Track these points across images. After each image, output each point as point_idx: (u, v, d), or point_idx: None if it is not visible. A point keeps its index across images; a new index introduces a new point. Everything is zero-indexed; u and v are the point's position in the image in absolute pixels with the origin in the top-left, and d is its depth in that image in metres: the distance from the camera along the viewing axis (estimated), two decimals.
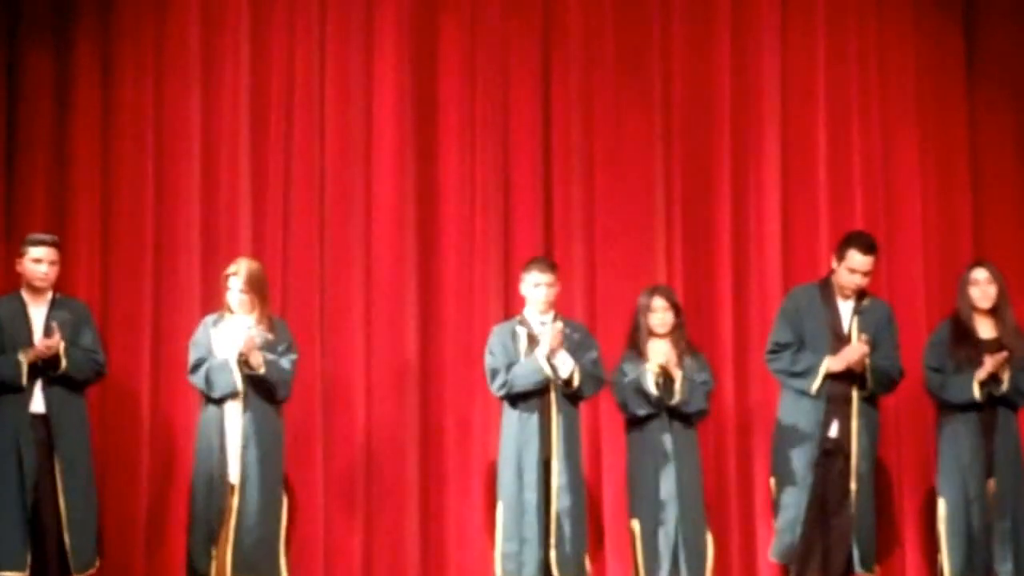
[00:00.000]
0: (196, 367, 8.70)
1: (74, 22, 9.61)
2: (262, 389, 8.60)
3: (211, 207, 9.52)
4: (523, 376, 8.69)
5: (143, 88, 9.58)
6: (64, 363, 8.41)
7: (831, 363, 8.67)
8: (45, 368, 8.41)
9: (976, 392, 8.60)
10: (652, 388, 8.68)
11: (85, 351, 8.56)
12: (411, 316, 9.52)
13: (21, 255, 8.59)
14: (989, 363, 8.57)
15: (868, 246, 8.77)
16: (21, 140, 9.53)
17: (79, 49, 9.59)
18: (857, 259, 8.74)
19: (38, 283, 8.57)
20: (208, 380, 8.61)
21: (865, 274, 8.75)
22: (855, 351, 8.66)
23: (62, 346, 8.41)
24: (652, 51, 9.72)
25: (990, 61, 9.83)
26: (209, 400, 8.63)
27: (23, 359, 8.37)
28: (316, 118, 9.61)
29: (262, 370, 8.52)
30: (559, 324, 8.72)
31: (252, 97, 9.58)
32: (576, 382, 8.71)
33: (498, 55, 9.69)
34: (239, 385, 8.54)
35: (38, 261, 8.55)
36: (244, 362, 8.55)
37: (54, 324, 8.43)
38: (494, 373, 8.78)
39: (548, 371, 8.63)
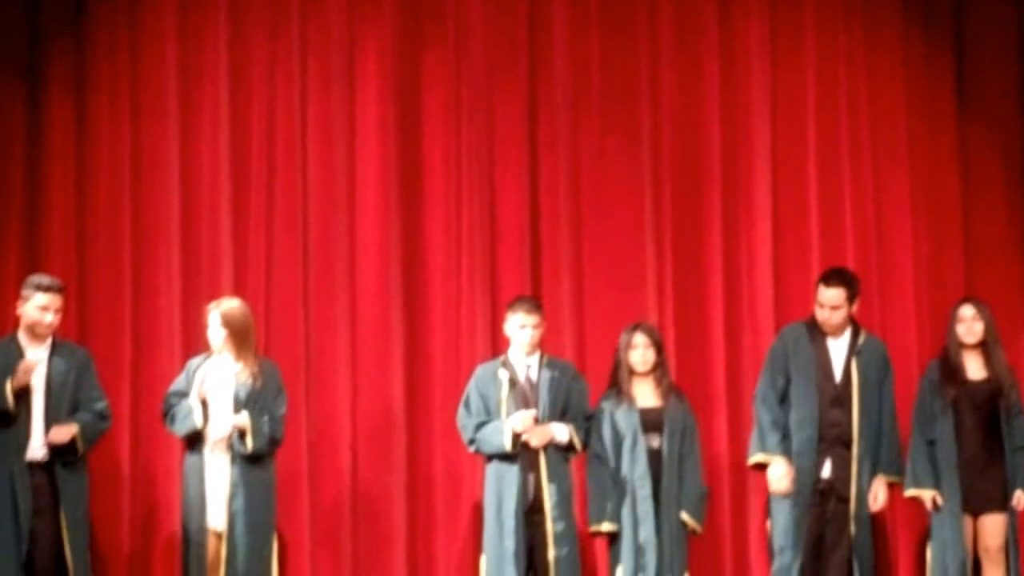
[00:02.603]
0: (166, 413, 8.62)
1: (46, 71, 9.49)
2: (253, 456, 8.50)
3: (191, 251, 9.43)
4: (488, 443, 8.64)
5: (119, 134, 9.49)
6: (81, 447, 8.31)
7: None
8: (62, 454, 8.26)
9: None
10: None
11: (88, 404, 8.41)
12: (397, 358, 9.45)
13: (22, 298, 8.39)
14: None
15: (828, 279, 8.74)
16: None
17: (52, 98, 9.48)
18: (821, 292, 8.73)
19: (42, 331, 8.38)
20: (171, 420, 8.54)
21: (833, 308, 8.70)
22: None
23: (77, 430, 8.28)
24: (640, 91, 9.69)
25: (981, 98, 9.85)
26: (192, 447, 8.54)
27: (8, 388, 8.18)
28: (298, 159, 9.53)
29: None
30: (531, 422, 8.59)
31: (232, 140, 9.49)
32: (578, 446, 8.68)
33: (483, 96, 9.64)
34: (198, 422, 8.41)
35: (45, 309, 8.36)
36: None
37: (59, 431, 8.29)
38: (464, 429, 8.73)
39: (509, 448, 8.55)
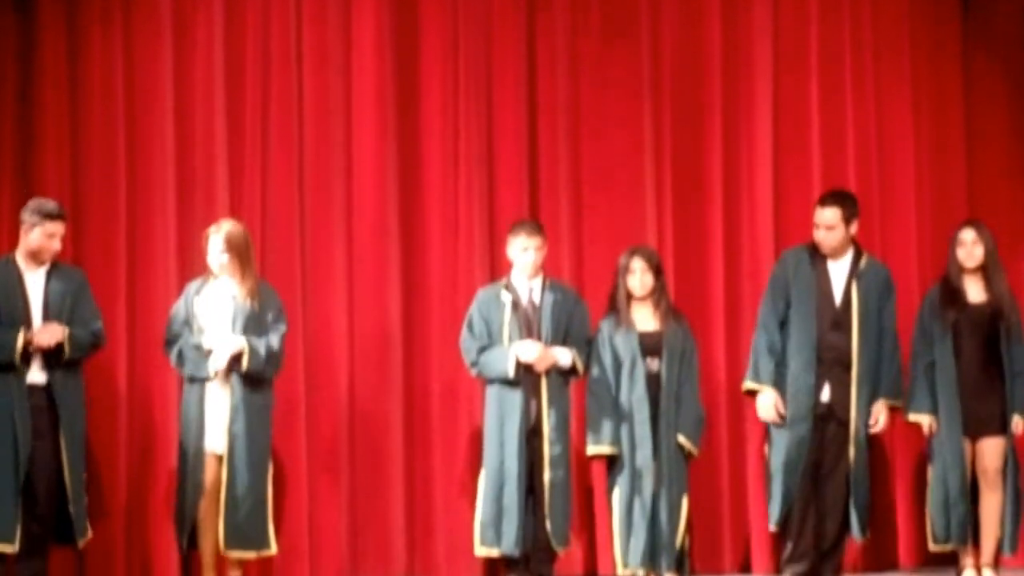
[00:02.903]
0: (170, 343, 8.62)
1: None
2: (248, 377, 8.49)
3: (186, 173, 9.32)
4: (492, 368, 8.64)
5: (112, 56, 9.35)
6: (68, 351, 8.26)
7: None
8: (48, 355, 8.24)
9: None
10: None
11: (83, 324, 8.38)
12: (394, 280, 9.40)
13: (27, 224, 8.35)
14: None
15: (824, 199, 8.75)
16: None
17: (44, 22, 9.34)
18: (817, 213, 8.73)
19: (47, 257, 8.38)
20: (180, 360, 8.55)
21: (828, 228, 8.69)
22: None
23: (65, 333, 8.25)
24: (640, 9, 9.60)
25: (985, 19, 9.79)
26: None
27: (20, 340, 8.19)
28: (294, 80, 9.42)
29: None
30: (537, 352, 8.59)
31: (227, 61, 9.37)
32: (580, 370, 8.69)
33: (481, 16, 9.53)
34: (210, 372, 8.46)
35: (52, 236, 8.36)
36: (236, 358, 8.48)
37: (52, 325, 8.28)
38: (467, 352, 8.72)
39: (512, 375, 8.55)
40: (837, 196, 8.80)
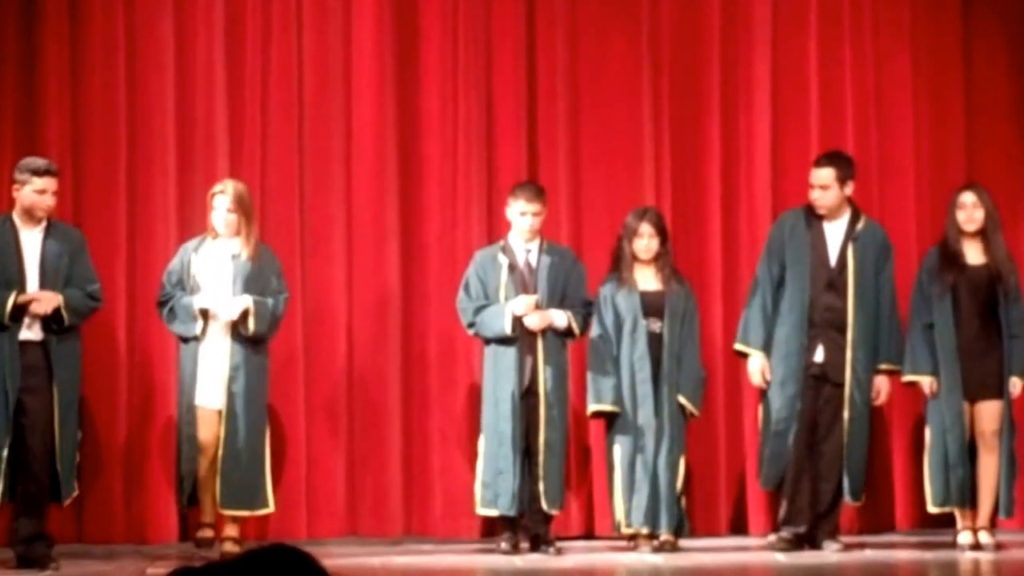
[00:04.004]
0: (163, 303, 8.64)
1: None
2: (249, 337, 8.53)
3: (187, 132, 9.31)
4: (489, 327, 8.67)
5: (113, 15, 9.32)
6: (67, 318, 8.27)
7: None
8: (47, 320, 8.24)
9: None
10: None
11: (80, 284, 8.38)
12: (393, 240, 9.41)
13: (18, 182, 8.34)
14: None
15: (819, 160, 8.77)
16: None
17: None
18: (812, 173, 8.74)
19: (40, 214, 8.36)
20: (172, 317, 8.57)
21: (822, 188, 8.68)
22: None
23: (61, 300, 8.25)
24: None
25: None
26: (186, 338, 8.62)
27: (10, 301, 8.18)
28: (293, 42, 9.40)
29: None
30: (532, 307, 8.60)
31: (227, 21, 9.34)
32: (576, 331, 8.70)
33: None
34: (197, 331, 8.48)
35: (42, 192, 8.32)
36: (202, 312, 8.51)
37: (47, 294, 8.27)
38: (463, 312, 8.75)
39: (509, 331, 8.58)
40: (832, 156, 8.80)
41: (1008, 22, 9.75)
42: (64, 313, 8.25)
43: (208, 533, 8.58)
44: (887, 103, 9.63)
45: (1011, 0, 9.75)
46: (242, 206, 8.56)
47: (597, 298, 8.77)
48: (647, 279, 8.78)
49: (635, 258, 8.76)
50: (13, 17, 9.32)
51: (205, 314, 8.51)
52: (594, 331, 8.74)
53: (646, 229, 8.73)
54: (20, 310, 8.22)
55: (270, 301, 8.56)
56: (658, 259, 8.77)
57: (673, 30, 9.60)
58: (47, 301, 8.22)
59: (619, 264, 8.78)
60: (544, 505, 8.64)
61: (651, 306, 8.72)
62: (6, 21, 9.32)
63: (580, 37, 9.57)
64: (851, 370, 8.64)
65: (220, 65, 9.35)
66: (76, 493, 8.47)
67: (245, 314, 8.50)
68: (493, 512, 8.71)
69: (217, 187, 8.65)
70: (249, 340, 8.53)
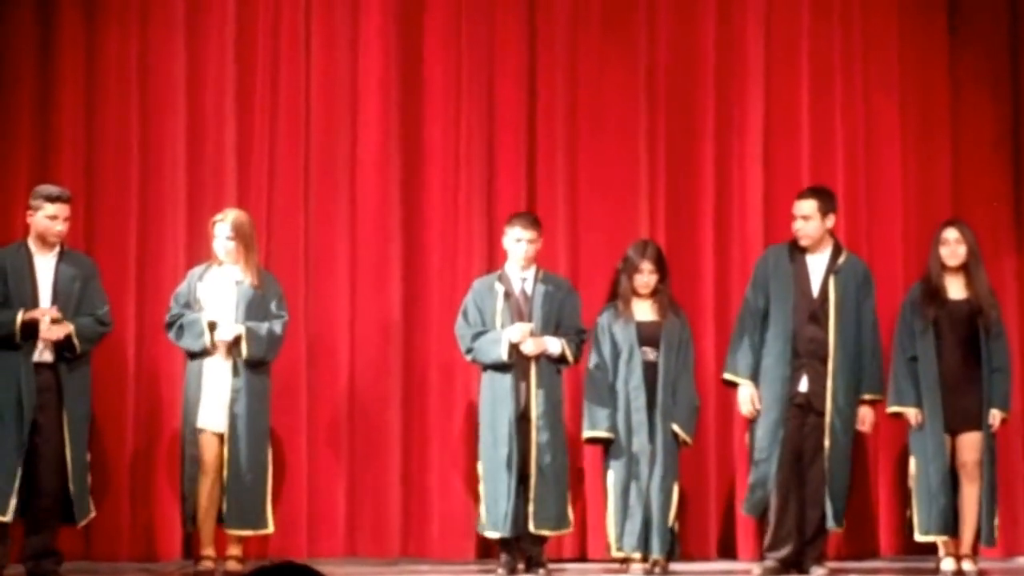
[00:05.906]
0: (171, 323, 8.79)
1: None
2: (249, 360, 8.68)
3: (196, 160, 9.49)
4: (486, 353, 8.79)
5: (127, 46, 9.53)
6: (78, 345, 8.44)
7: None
8: (60, 347, 8.40)
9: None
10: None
11: (90, 310, 8.55)
12: (395, 268, 9.55)
13: (32, 208, 8.53)
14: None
15: (802, 193, 8.89)
16: (4, 94, 9.47)
17: (63, 12, 9.53)
18: (795, 205, 8.86)
19: (52, 239, 8.54)
20: (180, 334, 8.72)
21: (804, 218, 8.79)
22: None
23: (72, 329, 8.43)
24: (637, 8, 9.76)
25: (971, 22, 9.89)
26: (195, 355, 8.74)
27: (19, 318, 8.37)
28: (302, 73, 9.60)
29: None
30: (528, 335, 8.76)
31: (237, 53, 9.55)
32: (570, 358, 8.85)
33: (484, 13, 9.70)
34: (206, 342, 8.64)
35: (54, 218, 8.50)
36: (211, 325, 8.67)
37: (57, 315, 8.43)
38: (461, 339, 8.88)
39: (506, 357, 8.71)
40: (815, 190, 8.95)
41: (994, 63, 9.88)
42: (75, 341, 8.43)
43: (209, 565, 8.68)
44: (875, 142, 9.79)
45: (996, 42, 9.89)
46: (241, 234, 8.74)
47: (595, 327, 8.90)
48: (644, 311, 8.92)
49: (634, 292, 8.91)
50: (30, 50, 9.53)
51: (212, 326, 8.66)
52: (591, 360, 8.88)
53: (647, 266, 8.87)
54: (32, 330, 8.38)
55: (265, 326, 8.70)
56: (656, 293, 8.91)
57: (669, 68, 9.76)
58: (58, 329, 8.39)
59: (617, 296, 8.92)
60: (532, 526, 8.73)
61: (647, 336, 8.86)
62: (24, 54, 9.52)
63: (580, 73, 9.72)
64: (831, 400, 8.71)
65: (229, 97, 9.53)
66: (93, 514, 8.58)
67: (238, 339, 8.67)
68: (494, 534, 8.80)
69: (218, 216, 8.83)
70: (250, 364, 8.68)
